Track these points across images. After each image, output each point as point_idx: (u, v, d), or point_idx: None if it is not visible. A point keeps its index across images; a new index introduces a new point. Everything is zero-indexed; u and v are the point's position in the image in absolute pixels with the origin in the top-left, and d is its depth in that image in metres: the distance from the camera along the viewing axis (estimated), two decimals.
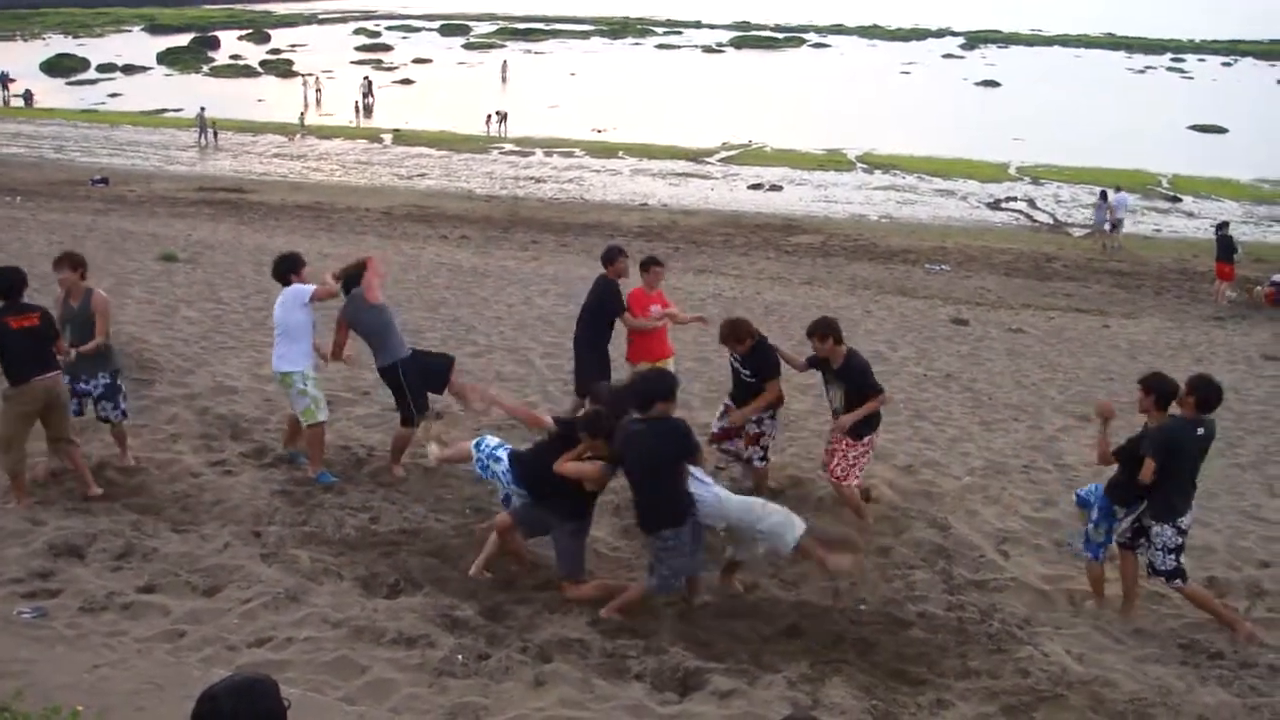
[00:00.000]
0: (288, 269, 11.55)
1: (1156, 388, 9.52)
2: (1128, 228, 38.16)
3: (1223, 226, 31.44)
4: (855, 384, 10.72)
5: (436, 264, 25.97)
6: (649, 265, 12.99)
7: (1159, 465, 9.15)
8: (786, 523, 8.96)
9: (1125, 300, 29.48)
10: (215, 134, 55.17)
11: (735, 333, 11.03)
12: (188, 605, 8.60)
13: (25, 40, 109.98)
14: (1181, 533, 9.41)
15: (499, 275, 25.52)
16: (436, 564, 9.62)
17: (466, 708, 7.40)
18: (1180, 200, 44.76)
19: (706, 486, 9.02)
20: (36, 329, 10.28)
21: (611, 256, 12.77)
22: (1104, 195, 39.40)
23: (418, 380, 11.48)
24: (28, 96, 69.29)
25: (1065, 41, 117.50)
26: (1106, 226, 37.71)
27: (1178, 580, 9.44)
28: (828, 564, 9.18)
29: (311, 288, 11.34)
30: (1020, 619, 9.22)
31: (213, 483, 11.17)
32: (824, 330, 10.71)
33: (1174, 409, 9.42)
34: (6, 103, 67.96)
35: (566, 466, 9.04)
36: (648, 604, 9.03)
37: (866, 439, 10.84)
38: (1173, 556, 9.35)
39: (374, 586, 9.10)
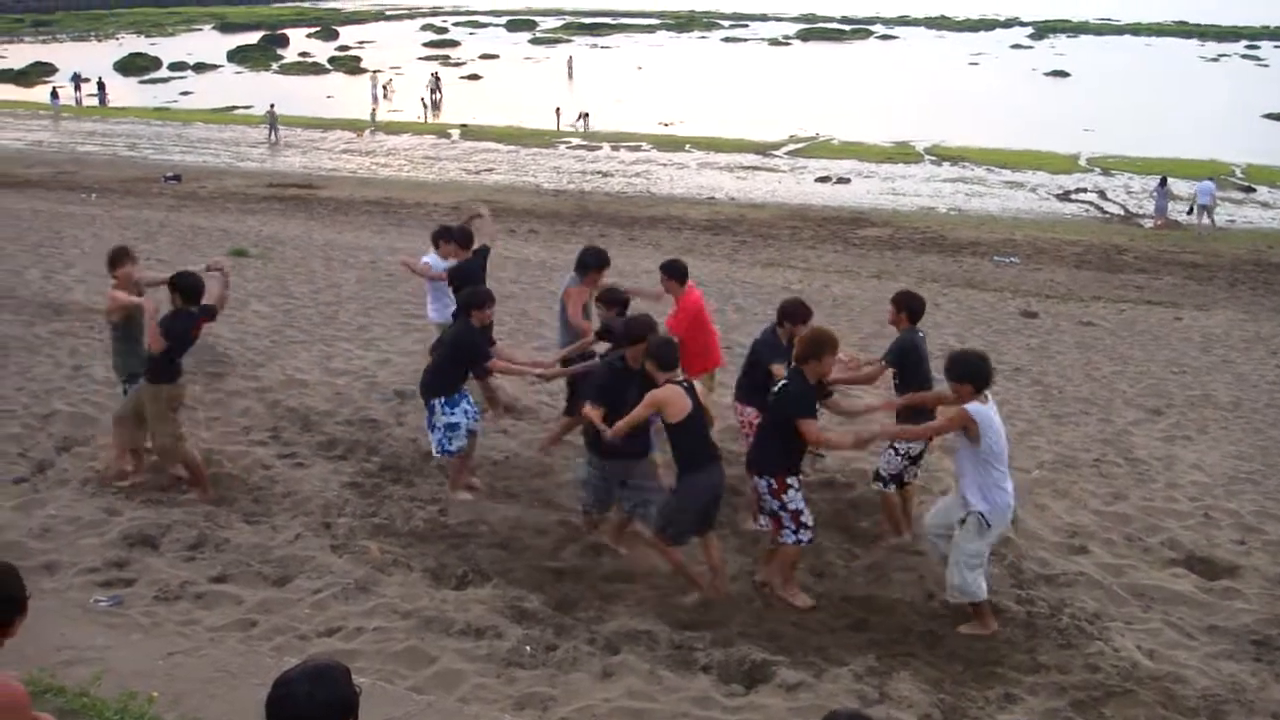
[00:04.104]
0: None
1: (907, 304, 10.33)
2: (1188, 216, 37.98)
3: None
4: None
5: (504, 258, 26.01)
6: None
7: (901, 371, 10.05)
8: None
9: (1198, 292, 29.07)
10: (277, 130, 55.52)
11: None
12: (259, 595, 8.73)
13: (99, 40, 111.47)
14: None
15: (566, 269, 25.53)
16: (504, 555, 9.70)
17: (534, 698, 7.46)
18: (1254, 190, 43.99)
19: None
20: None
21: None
22: (1163, 181, 39.12)
23: None
24: (101, 87, 70.12)
25: (1136, 30, 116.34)
26: (1188, 214, 37.64)
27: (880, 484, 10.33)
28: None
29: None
30: (1090, 614, 9.13)
31: (284, 474, 11.32)
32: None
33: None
34: (79, 103, 68.82)
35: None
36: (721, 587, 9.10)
37: None
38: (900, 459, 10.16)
39: (443, 578, 9.20)
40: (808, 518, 9.04)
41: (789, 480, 8.96)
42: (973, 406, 8.43)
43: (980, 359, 8.73)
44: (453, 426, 10.89)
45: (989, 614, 8.80)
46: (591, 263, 12.21)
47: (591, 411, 9.25)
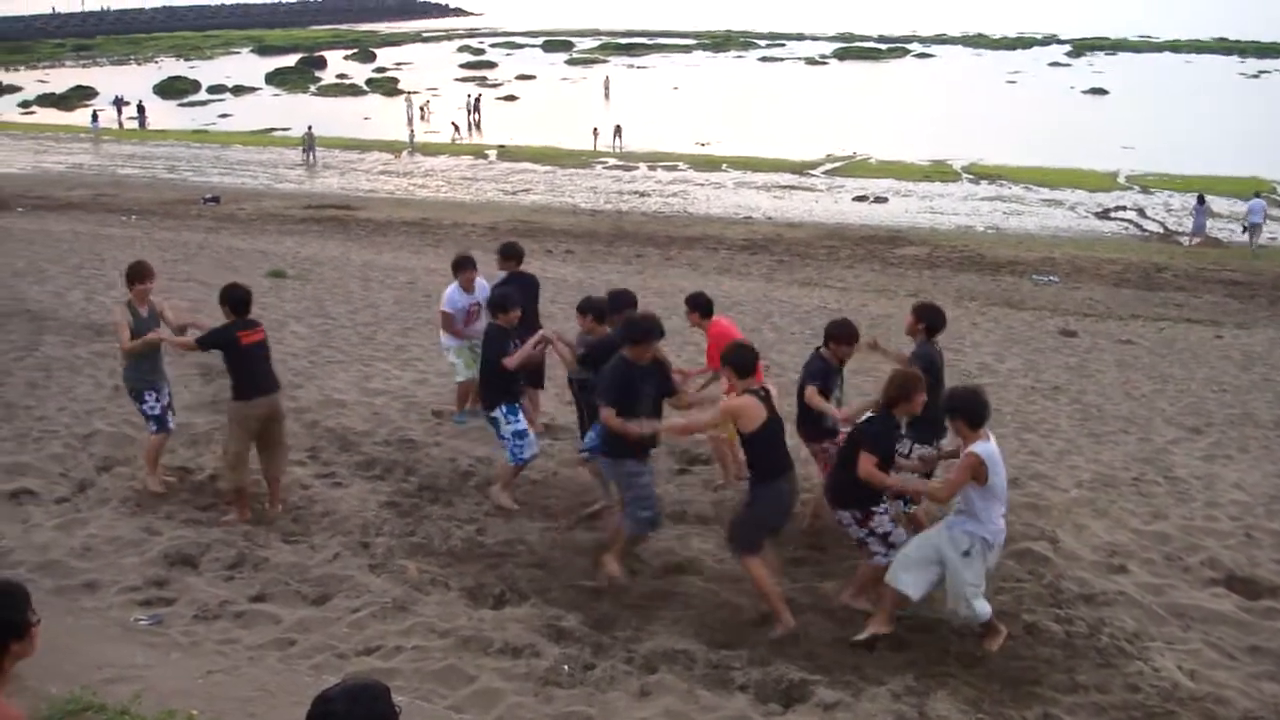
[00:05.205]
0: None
1: (927, 316, 10.44)
2: (1239, 235, 37.72)
3: None
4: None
5: (541, 279, 25.97)
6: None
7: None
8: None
9: (1238, 310, 28.86)
10: (315, 151, 55.87)
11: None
12: (298, 614, 8.76)
13: (139, 64, 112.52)
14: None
15: (603, 289, 25.62)
16: (542, 575, 9.70)
17: (572, 717, 7.46)
18: None
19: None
20: (264, 341, 10.75)
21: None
22: (1201, 199, 38.91)
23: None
24: (141, 110, 70.88)
25: (1175, 47, 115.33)
26: (1243, 232, 37.64)
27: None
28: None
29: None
30: (1130, 633, 9.05)
31: (322, 494, 11.37)
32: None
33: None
34: (120, 126, 69.50)
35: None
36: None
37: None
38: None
39: (480, 597, 9.21)
40: (897, 536, 8.98)
41: (873, 509, 8.91)
42: (980, 447, 8.27)
43: (973, 394, 8.56)
44: (520, 434, 11.12)
45: (997, 625, 8.71)
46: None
47: (609, 416, 9.24)
